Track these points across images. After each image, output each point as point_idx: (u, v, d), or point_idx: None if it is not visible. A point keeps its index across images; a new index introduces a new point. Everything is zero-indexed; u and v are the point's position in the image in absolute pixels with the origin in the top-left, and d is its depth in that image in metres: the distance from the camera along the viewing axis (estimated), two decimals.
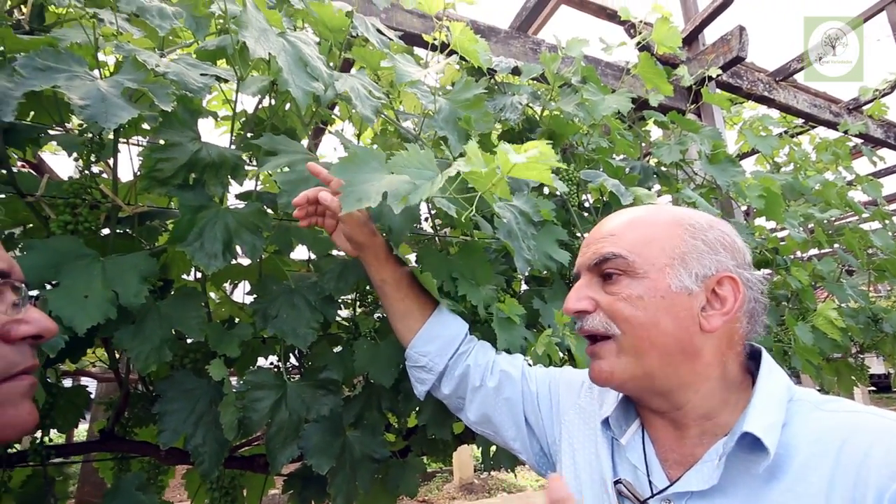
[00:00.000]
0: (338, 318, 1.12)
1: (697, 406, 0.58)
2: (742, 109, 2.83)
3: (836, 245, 2.27)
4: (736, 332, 0.59)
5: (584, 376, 0.79)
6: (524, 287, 1.39)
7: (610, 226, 0.64)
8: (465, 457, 5.95)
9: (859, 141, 2.85)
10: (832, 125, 2.67)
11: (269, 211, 0.94)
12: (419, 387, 0.88)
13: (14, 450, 0.91)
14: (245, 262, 1.09)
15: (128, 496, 0.82)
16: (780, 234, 2.52)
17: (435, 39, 1.13)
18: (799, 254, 2.28)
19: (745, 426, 0.52)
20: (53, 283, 0.72)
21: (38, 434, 0.89)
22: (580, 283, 0.64)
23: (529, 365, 0.88)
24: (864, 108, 2.83)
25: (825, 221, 2.17)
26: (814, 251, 2.36)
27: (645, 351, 0.57)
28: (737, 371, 0.59)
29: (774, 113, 2.64)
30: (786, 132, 2.91)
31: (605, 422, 0.67)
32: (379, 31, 1.13)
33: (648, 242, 0.59)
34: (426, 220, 1.28)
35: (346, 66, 1.48)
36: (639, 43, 1.51)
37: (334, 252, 1.14)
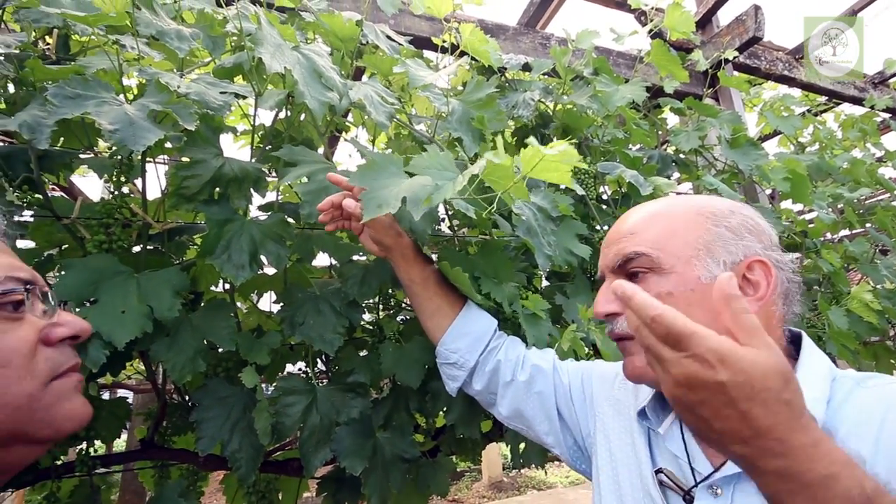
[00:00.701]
0: (362, 323, 1.14)
1: None
2: (762, 91, 2.75)
3: (867, 225, 2.19)
4: (773, 315, 0.58)
5: (618, 368, 0.79)
6: (545, 283, 1.39)
7: (629, 223, 0.62)
8: (494, 455, 5.94)
9: (887, 115, 2.75)
10: (858, 101, 2.58)
11: (291, 221, 0.96)
12: (451, 384, 0.88)
13: (60, 461, 0.96)
14: (270, 272, 1.11)
15: (170, 503, 0.85)
16: (809, 217, 2.45)
17: (444, 42, 1.13)
18: (829, 236, 2.21)
19: None
20: (92, 300, 0.76)
21: (84, 445, 0.93)
22: (606, 285, 0.63)
23: (560, 359, 0.88)
24: (891, 81, 2.72)
25: (855, 201, 2.09)
26: (845, 232, 2.28)
27: None
28: None
29: (796, 92, 2.56)
30: (809, 111, 2.82)
31: (642, 412, 0.66)
32: (388, 37, 1.14)
33: (671, 236, 0.58)
34: (442, 220, 1.29)
35: (357, 74, 1.50)
36: (651, 30, 1.49)
37: (356, 257, 1.16)
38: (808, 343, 0.58)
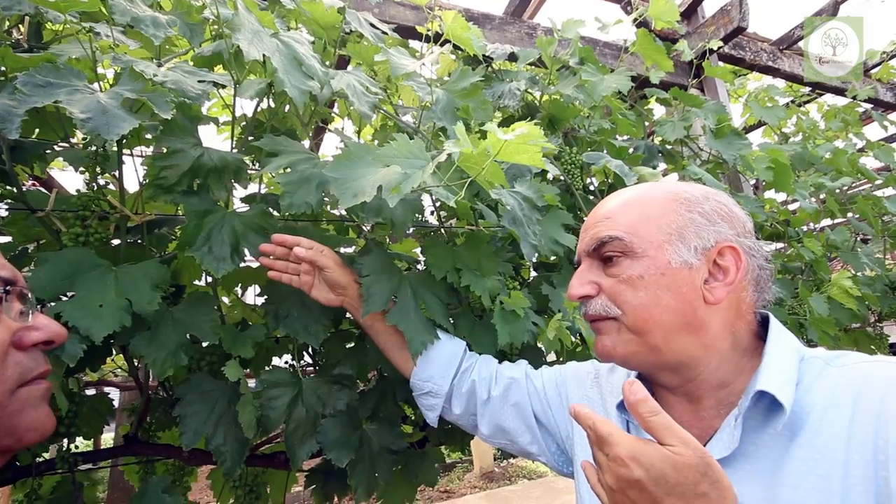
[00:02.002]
0: (348, 315, 1.13)
1: (710, 377, 0.58)
2: (746, 81, 2.78)
3: (849, 214, 2.23)
4: (743, 301, 0.59)
5: (593, 368, 0.80)
6: (533, 274, 1.39)
7: (605, 209, 0.63)
8: (485, 446, 5.99)
9: (869, 106, 2.79)
10: (840, 91, 2.61)
11: (275, 213, 0.95)
12: (430, 414, 0.88)
13: (42, 458, 0.94)
14: (254, 265, 1.10)
15: (154, 499, 0.84)
16: (792, 207, 2.48)
17: (428, 30, 1.12)
18: (812, 225, 2.25)
19: (759, 385, 0.52)
20: (69, 294, 0.74)
21: (65, 442, 0.92)
22: (581, 269, 0.64)
23: (546, 348, 0.88)
24: (872, 71, 2.76)
25: (837, 191, 2.13)
26: (827, 221, 2.32)
27: (648, 329, 0.57)
28: (748, 339, 0.59)
29: (780, 83, 2.59)
30: (793, 101, 2.85)
31: (621, 405, 0.67)
32: (372, 25, 1.13)
33: (645, 221, 0.59)
34: (432, 213, 1.29)
35: (341, 64, 1.48)
36: (636, 20, 1.49)
37: (342, 250, 1.15)
38: (774, 326, 0.59)
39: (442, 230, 1.19)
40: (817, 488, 0.47)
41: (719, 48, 1.91)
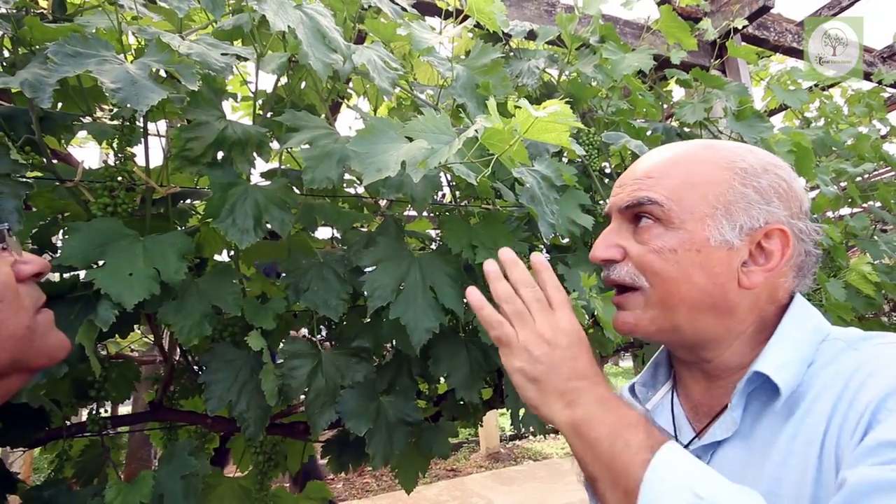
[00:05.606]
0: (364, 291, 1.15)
1: (728, 360, 0.55)
2: (769, 64, 2.71)
3: (870, 202, 2.19)
4: (780, 286, 0.54)
5: None
6: (546, 256, 1.39)
7: (648, 164, 0.56)
8: (492, 427, 6.07)
9: (895, 91, 2.71)
10: (865, 75, 2.54)
11: (295, 189, 0.95)
12: None
13: (70, 422, 0.98)
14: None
15: (181, 461, 0.88)
16: (812, 194, 2.44)
17: (448, 5, 1.11)
18: (831, 213, 2.21)
19: (756, 365, 0.50)
20: (99, 263, 0.76)
21: (95, 406, 0.95)
22: (610, 228, 0.59)
23: None
24: None
25: (859, 177, 2.08)
26: (847, 210, 2.28)
27: (674, 305, 0.53)
28: (774, 321, 0.55)
29: (803, 65, 2.52)
30: (816, 85, 2.78)
31: (631, 389, 0.66)
32: (391, 0, 1.12)
33: (690, 187, 0.53)
34: (443, 196, 1.29)
35: (359, 40, 1.47)
36: None
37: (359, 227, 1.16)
38: (797, 304, 0.55)
39: (458, 209, 1.20)
40: (801, 465, 0.46)
41: (744, 27, 1.86)
